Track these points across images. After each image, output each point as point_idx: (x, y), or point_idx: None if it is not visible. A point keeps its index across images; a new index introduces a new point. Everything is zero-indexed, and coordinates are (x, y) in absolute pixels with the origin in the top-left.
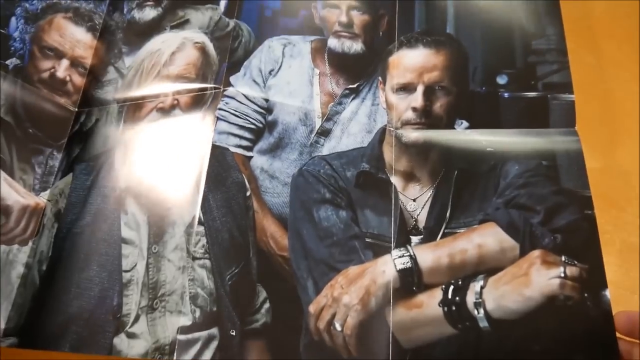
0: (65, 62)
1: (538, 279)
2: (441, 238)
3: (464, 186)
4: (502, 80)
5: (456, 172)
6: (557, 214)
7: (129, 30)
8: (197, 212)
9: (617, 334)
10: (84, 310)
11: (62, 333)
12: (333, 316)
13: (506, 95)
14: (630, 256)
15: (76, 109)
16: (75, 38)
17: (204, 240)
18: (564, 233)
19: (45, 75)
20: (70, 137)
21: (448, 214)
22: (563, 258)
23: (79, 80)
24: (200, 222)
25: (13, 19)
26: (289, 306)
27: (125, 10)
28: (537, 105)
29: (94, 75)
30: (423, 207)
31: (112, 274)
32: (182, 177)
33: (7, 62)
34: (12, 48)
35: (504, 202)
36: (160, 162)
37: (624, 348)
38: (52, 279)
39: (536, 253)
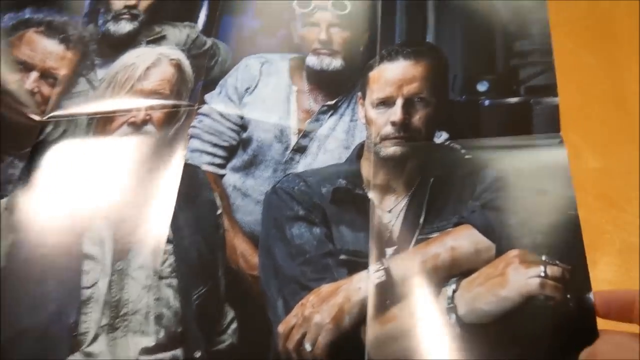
0: (34, 75)
1: (516, 278)
2: (415, 245)
3: (439, 191)
4: (482, 87)
5: (432, 179)
6: (537, 214)
7: (103, 43)
8: (166, 230)
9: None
10: (38, 326)
11: (13, 348)
12: (303, 336)
13: (487, 102)
14: (630, 256)
15: (43, 119)
16: (46, 50)
17: (171, 259)
18: (545, 234)
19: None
20: (35, 146)
21: (421, 220)
22: (543, 257)
23: (47, 90)
24: (168, 241)
25: None
26: (257, 327)
27: (100, 22)
28: (520, 111)
29: (64, 86)
30: (398, 217)
31: (71, 291)
32: (151, 194)
33: None
34: None
35: (481, 205)
36: (129, 177)
37: None
38: (4, 293)
39: (514, 252)
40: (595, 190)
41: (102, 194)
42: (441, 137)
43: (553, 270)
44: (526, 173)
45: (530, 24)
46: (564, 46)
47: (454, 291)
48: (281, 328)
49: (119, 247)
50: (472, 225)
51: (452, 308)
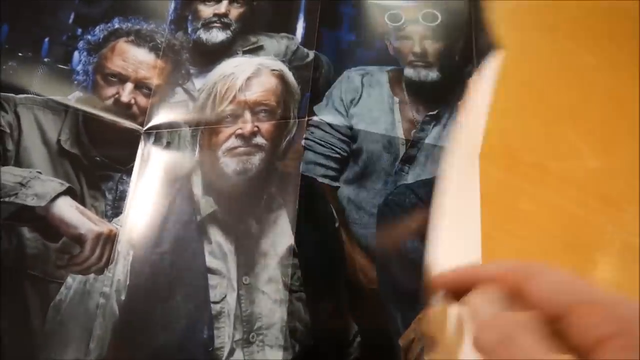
0: (129, 86)
1: None
2: None
3: None
4: None
5: None
6: None
7: (194, 51)
8: (292, 243)
9: None
10: (172, 343)
11: None
12: (423, 349)
13: None
14: (630, 256)
15: (143, 130)
16: (137, 60)
17: (299, 273)
18: None
19: (109, 102)
20: (140, 160)
21: None
22: None
23: (144, 101)
24: (294, 254)
25: (76, 54)
26: (379, 341)
27: (189, 29)
28: None
29: (160, 96)
30: None
31: (199, 306)
32: (269, 207)
33: (69, 96)
34: (75, 81)
35: None
36: (245, 190)
37: None
38: (133, 310)
39: None
40: (595, 190)
41: (219, 208)
42: None
43: None
44: None
45: None
46: (564, 46)
47: None
48: (401, 342)
49: (243, 261)
50: None
51: None
